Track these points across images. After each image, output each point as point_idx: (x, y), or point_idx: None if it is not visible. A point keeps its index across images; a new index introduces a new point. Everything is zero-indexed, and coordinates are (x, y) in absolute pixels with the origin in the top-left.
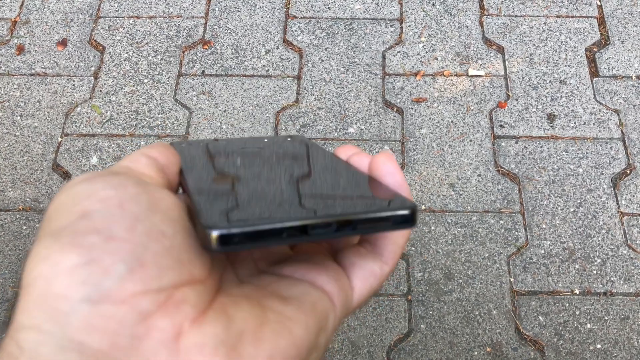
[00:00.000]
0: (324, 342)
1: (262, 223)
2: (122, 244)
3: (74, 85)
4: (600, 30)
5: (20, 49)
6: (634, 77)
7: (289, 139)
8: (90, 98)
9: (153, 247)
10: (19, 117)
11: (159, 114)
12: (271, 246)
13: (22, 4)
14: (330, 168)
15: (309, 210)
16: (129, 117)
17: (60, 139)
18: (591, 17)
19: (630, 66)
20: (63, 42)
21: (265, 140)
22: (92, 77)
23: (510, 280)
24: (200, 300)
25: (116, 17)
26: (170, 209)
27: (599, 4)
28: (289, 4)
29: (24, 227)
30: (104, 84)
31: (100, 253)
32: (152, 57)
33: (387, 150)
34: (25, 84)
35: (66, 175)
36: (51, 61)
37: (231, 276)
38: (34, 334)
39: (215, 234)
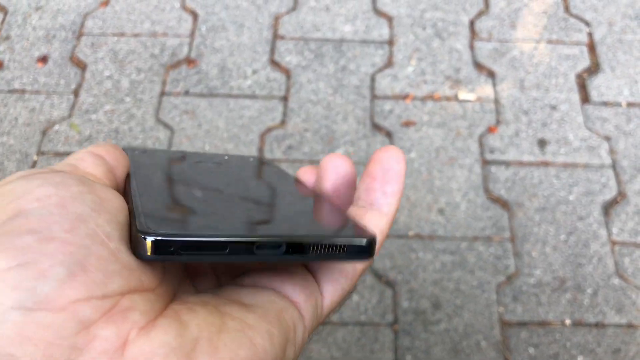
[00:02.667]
0: (292, 356)
1: (202, 234)
2: (62, 245)
3: (52, 102)
4: (590, 57)
5: None
6: (624, 104)
7: (251, 159)
8: (69, 116)
9: (97, 251)
10: None
11: (139, 133)
12: (212, 261)
13: (3, 20)
14: (289, 191)
15: (257, 228)
16: (109, 136)
17: (35, 158)
18: (581, 43)
19: (620, 93)
20: (43, 59)
21: (226, 157)
22: (72, 95)
23: (499, 310)
24: (150, 307)
25: (100, 34)
26: (118, 210)
27: (589, 31)
28: (277, 24)
29: None
30: (84, 101)
31: (36, 255)
32: (134, 75)
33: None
34: (2, 101)
35: None
36: (30, 78)
37: (188, 287)
38: None
39: (149, 240)
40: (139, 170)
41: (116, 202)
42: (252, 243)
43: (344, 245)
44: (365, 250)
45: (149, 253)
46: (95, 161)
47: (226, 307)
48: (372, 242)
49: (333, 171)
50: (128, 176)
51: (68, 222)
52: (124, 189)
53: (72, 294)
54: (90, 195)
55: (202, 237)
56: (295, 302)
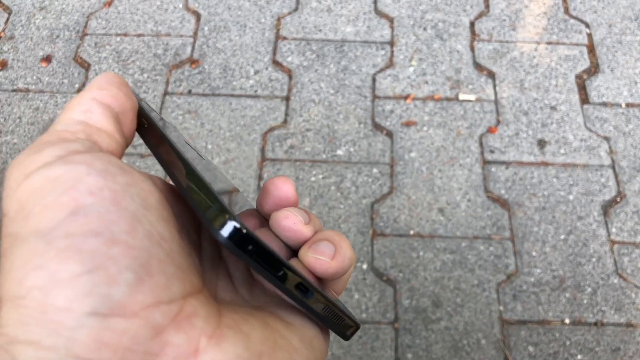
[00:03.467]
0: None
1: (275, 251)
2: (126, 249)
3: (56, 101)
4: (590, 58)
5: (3, 65)
6: (623, 105)
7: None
8: None
9: (156, 253)
10: None
11: None
12: (260, 274)
13: (7, 20)
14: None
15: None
16: None
17: None
18: (581, 44)
19: (619, 94)
20: (47, 59)
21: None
22: (76, 94)
23: (499, 308)
24: (209, 313)
25: (103, 34)
26: (160, 204)
27: (588, 32)
28: (280, 25)
29: None
30: None
31: (103, 260)
32: (138, 75)
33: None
34: (6, 100)
35: None
36: (34, 77)
37: (223, 283)
38: (32, 350)
39: (235, 225)
40: (169, 133)
41: (156, 195)
42: (300, 283)
43: (344, 318)
44: (352, 333)
45: (226, 236)
46: (104, 113)
47: (272, 321)
48: (358, 329)
49: (275, 195)
50: (142, 117)
51: (126, 223)
52: (138, 130)
53: (142, 299)
54: (134, 189)
55: (274, 254)
56: (321, 331)
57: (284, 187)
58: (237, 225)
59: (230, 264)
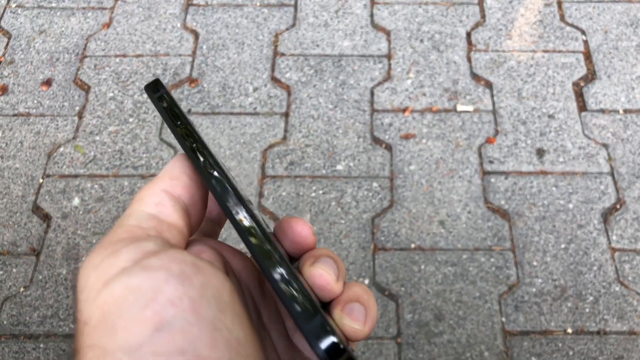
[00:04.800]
0: None
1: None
2: None
3: (57, 125)
4: (586, 65)
5: (4, 89)
6: (621, 111)
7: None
8: (73, 138)
9: None
10: None
11: (143, 153)
12: None
13: (7, 44)
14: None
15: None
16: (113, 157)
17: (41, 180)
18: (577, 51)
19: (617, 100)
20: (47, 82)
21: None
22: (77, 117)
23: (502, 320)
24: None
25: (102, 55)
26: (231, 297)
27: (584, 39)
28: (277, 41)
29: (1, 272)
30: (88, 123)
31: None
32: (137, 95)
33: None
34: (7, 125)
35: (46, 218)
36: (35, 101)
37: (270, 349)
38: None
39: (334, 341)
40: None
41: (226, 286)
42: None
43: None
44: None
45: (324, 349)
46: (174, 207)
47: None
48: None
49: (294, 240)
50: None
51: (207, 335)
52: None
53: None
54: (210, 290)
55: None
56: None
57: (302, 232)
58: (336, 341)
59: (272, 331)
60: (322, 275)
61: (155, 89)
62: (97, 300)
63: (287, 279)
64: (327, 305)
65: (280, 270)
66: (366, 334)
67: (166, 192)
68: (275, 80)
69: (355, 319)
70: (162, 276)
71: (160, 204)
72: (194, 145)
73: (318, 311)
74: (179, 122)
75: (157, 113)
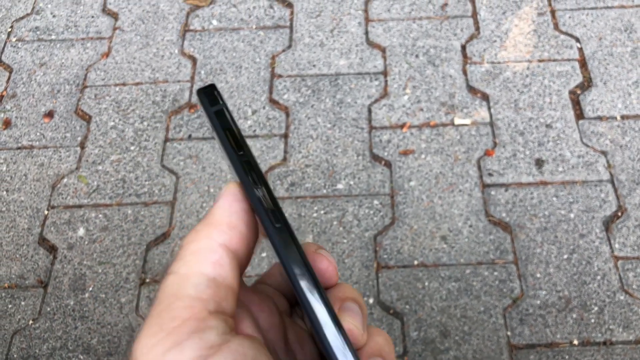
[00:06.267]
0: None
1: None
2: None
3: (60, 156)
4: (582, 73)
5: (7, 123)
6: (618, 118)
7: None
8: (76, 169)
9: None
10: (4, 192)
11: (146, 180)
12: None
13: (8, 78)
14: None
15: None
16: (116, 186)
17: (46, 212)
18: (573, 59)
19: (614, 107)
20: (49, 114)
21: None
22: (79, 147)
23: (507, 334)
24: None
25: (102, 85)
26: None
27: (579, 46)
28: (274, 63)
29: (10, 306)
30: (91, 153)
31: None
32: (138, 123)
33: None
34: (11, 158)
35: (52, 249)
36: (38, 133)
37: None
38: None
39: None
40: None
41: None
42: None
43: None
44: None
45: None
46: (232, 265)
47: None
48: None
49: (319, 273)
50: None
51: None
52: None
53: None
54: None
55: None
56: None
57: (327, 272)
58: None
59: None
60: (350, 330)
61: (212, 99)
62: None
63: (344, 350)
64: None
65: (341, 343)
66: None
67: (224, 248)
68: (273, 102)
69: None
70: None
71: (219, 264)
72: (255, 178)
73: None
74: (241, 152)
75: (158, 141)
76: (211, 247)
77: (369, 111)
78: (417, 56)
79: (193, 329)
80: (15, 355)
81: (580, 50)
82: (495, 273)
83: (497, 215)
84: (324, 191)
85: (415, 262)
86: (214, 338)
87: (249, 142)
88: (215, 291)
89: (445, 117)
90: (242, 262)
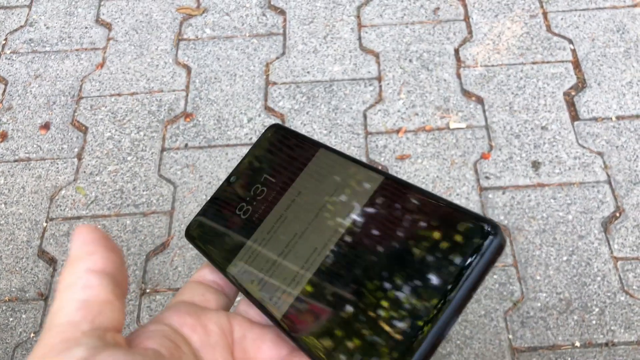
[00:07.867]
0: None
1: None
2: None
3: (57, 168)
4: (576, 74)
5: (3, 136)
6: (613, 118)
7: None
8: (74, 180)
9: None
10: (3, 205)
11: (143, 191)
12: None
13: (4, 91)
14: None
15: None
16: (114, 197)
17: (45, 224)
18: (566, 61)
19: (609, 107)
20: (46, 126)
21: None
22: (76, 159)
23: (508, 337)
24: None
25: (98, 96)
26: None
27: (572, 48)
28: (269, 70)
29: (11, 319)
30: (88, 164)
31: None
32: (134, 133)
33: None
34: (9, 171)
35: (52, 261)
36: (34, 145)
37: None
38: None
39: None
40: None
41: None
42: None
43: None
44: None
45: None
46: (102, 284)
47: None
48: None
49: None
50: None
51: None
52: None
53: None
54: None
55: None
56: None
57: None
58: None
59: None
60: None
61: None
62: None
63: None
64: None
65: None
66: None
67: (89, 272)
68: (268, 109)
69: None
70: None
71: (87, 287)
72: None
73: None
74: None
75: (154, 150)
76: (77, 275)
77: (365, 117)
78: (410, 61)
79: (60, 350)
80: None
81: (574, 51)
82: (495, 276)
83: (495, 218)
84: None
85: None
86: (80, 354)
87: (245, 150)
88: (86, 311)
89: (440, 121)
90: (116, 276)
